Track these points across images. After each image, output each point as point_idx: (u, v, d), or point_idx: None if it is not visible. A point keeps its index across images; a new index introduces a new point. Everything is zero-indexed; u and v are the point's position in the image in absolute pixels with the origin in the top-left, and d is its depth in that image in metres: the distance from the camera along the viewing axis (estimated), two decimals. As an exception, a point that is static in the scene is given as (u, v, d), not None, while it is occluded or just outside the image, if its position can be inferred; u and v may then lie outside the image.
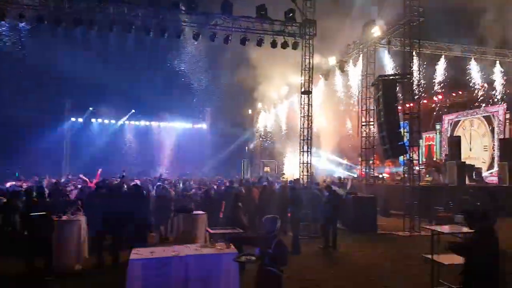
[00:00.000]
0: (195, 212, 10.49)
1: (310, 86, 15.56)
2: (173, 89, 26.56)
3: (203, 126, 34.10)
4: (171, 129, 32.92)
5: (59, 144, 28.88)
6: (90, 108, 30.53)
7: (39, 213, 7.56)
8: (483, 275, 4.78)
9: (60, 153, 29.07)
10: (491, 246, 4.85)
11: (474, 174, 18.73)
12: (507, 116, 21.65)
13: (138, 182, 13.42)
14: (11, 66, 21.08)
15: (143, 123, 32.34)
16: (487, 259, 4.77)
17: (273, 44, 15.23)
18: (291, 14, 14.83)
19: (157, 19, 14.37)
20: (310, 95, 15.58)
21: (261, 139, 32.64)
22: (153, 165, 29.31)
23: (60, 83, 25.42)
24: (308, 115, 15.56)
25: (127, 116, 31.68)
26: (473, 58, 18.84)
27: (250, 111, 33.64)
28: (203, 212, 10.47)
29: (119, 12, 14.09)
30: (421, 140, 22.86)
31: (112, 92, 26.36)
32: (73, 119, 30.39)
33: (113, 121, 31.59)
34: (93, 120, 31.28)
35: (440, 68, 18.56)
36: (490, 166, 21.85)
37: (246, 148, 33.41)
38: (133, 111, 31.32)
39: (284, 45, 15.24)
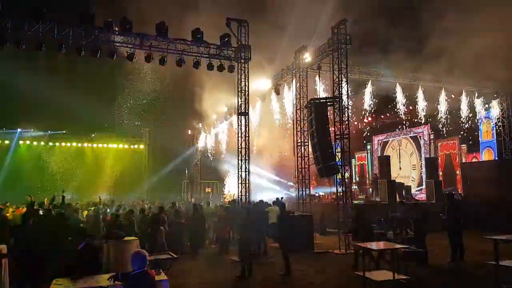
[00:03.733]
0: (126, 238, 10.08)
1: (247, 107, 15.92)
2: (109, 109, 25.72)
3: (141, 146, 33.11)
4: (107, 150, 31.57)
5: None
6: (18, 130, 28.45)
7: None
8: None
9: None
10: None
11: (403, 191, 19.94)
12: (431, 136, 23.60)
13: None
14: None
15: (75, 144, 30.59)
16: None
17: (209, 67, 15.47)
18: (226, 39, 15.18)
19: (89, 39, 13.97)
20: (246, 116, 15.91)
21: (201, 159, 32.40)
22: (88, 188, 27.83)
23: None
24: (245, 136, 15.84)
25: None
26: (397, 83, 20.39)
27: (189, 132, 33.37)
28: (135, 238, 10.10)
29: (48, 31, 13.53)
30: (353, 159, 24.14)
31: (42, 111, 24.97)
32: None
33: (42, 143, 29.61)
34: (21, 141, 29.09)
35: (368, 92, 19.88)
36: (419, 184, 23.46)
37: (186, 169, 32.92)
38: (64, 132, 29.64)
39: (220, 68, 15.53)
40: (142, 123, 31.01)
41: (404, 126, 24.25)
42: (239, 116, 16.03)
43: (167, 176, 30.96)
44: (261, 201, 15.65)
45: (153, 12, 16.53)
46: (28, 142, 29.20)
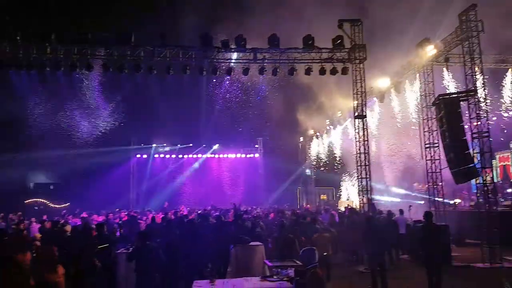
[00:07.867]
0: (252, 243, 10.20)
1: (364, 110, 15.19)
2: (226, 121, 27.58)
3: (256, 155, 34.19)
4: (226, 160, 33.44)
5: (125, 181, 30.45)
6: (154, 145, 32.05)
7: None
8: None
9: (127, 189, 30.47)
10: None
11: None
12: None
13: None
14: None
15: (200, 155, 33.22)
16: None
17: (322, 72, 15.21)
18: (339, 41, 14.73)
19: (209, 59, 14.99)
20: (364, 119, 15.16)
21: (315, 166, 31.98)
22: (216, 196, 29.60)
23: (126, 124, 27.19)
24: (364, 140, 15.08)
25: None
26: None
27: (301, 139, 33.29)
28: (260, 243, 10.19)
29: (174, 56, 14.93)
30: (494, 160, 21.02)
31: (170, 129, 27.84)
32: (138, 155, 32.01)
33: (173, 156, 32.80)
34: (156, 156, 32.70)
35: (508, 82, 17.20)
36: None
37: (301, 176, 32.87)
38: (191, 145, 32.32)
39: (333, 72, 15.16)
40: (256, 133, 32.16)
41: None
42: (356, 120, 15.36)
43: (282, 183, 31.38)
44: (389, 211, 14.45)
45: (262, 26, 16.91)
46: (162, 155, 32.68)
